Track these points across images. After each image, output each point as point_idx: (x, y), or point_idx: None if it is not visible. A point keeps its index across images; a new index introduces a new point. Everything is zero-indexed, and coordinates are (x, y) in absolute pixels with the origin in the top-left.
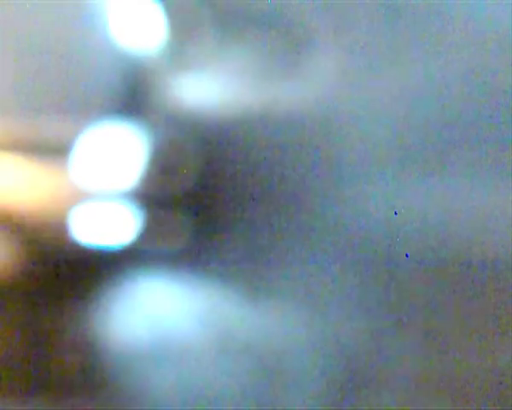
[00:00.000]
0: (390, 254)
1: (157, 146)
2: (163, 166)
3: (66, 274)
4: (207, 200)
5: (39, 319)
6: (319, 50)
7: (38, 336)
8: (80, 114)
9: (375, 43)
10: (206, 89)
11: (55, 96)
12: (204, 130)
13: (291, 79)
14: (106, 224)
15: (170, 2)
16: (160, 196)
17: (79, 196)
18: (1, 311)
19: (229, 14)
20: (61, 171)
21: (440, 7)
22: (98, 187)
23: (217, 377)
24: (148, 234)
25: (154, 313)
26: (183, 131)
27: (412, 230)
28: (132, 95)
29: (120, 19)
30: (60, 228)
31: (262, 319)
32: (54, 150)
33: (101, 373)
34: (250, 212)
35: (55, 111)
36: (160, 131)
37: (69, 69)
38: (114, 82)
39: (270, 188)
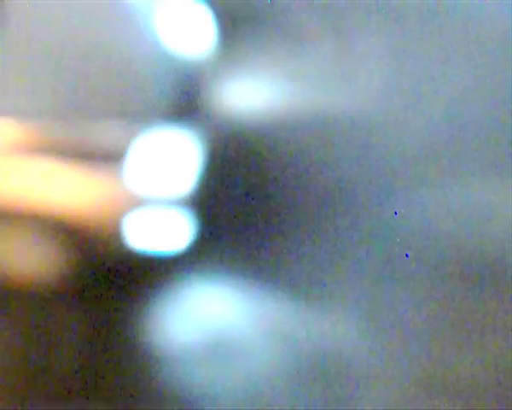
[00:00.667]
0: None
1: (210, 150)
2: (215, 172)
3: (120, 280)
4: (260, 205)
5: (93, 324)
6: (368, 54)
7: (92, 340)
8: (134, 119)
9: (425, 45)
10: (256, 92)
11: (108, 102)
12: (254, 133)
13: (341, 83)
14: (159, 230)
15: (219, 7)
16: (212, 202)
17: (133, 202)
18: (55, 317)
19: (276, 18)
20: (115, 177)
21: (489, 8)
22: (152, 193)
23: (272, 379)
24: (200, 239)
25: (208, 318)
26: (234, 136)
27: (464, 232)
28: (185, 99)
29: (171, 24)
30: (114, 234)
31: (315, 322)
32: (108, 156)
33: (155, 378)
34: (302, 215)
35: (110, 117)
36: (211, 135)
37: (123, 75)
38: (167, 87)
39: (322, 191)
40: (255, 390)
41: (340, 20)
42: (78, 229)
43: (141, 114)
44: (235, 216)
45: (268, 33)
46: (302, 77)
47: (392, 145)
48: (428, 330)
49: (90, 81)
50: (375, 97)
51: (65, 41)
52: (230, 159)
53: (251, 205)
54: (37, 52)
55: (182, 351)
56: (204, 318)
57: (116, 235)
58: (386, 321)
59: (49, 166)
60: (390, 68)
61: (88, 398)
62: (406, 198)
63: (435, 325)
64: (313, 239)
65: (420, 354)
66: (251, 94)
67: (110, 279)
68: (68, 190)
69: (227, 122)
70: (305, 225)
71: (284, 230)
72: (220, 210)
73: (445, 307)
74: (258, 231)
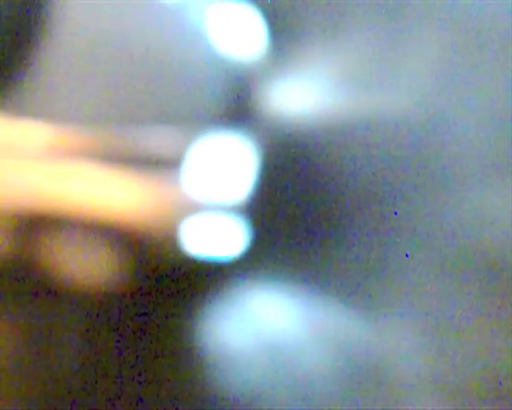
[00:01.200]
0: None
1: (263, 155)
2: (269, 177)
3: (176, 285)
4: (313, 210)
5: (149, 329)
6: (418, 55)
7: (148, 345)
8: (189, 124)
9: (474, 45)
10: (307, 95)
11: (163, 108)
12: (306, 137)
13: (391, 85)
14: (214, 235)
15: (270, 10)
16: (266, 207)
17: (189, 208)
18: (111, 321)
19: (327, 20)
20: (170, 183)
21: None
22: (207, 198)
23: (324, 385)
24: (254, 245)
25: (261, 324)
26: (286, 140)
27: None
28: (238, 104)
29: (223, 27)
30: (170, 240)
31: (368, 327)
32: (163, 162)
33: (209, 382)
34: (355, 220)
35: (165, 122)
36: (264, 139)
37: (177, 80)
38: (220, 91)
39: (376, 195)
40: (307, 396)
41: (389, 22)
42: (134, 235)
43: (195, 119)
44: (288, 222)
45: (318, 36)
46: (352, 79)
47: (444, 147)
48: (483, 339)
49: (145, 86)
50: (425, 99)
51: (118, 46)
52: (283, 163)
53: (304, 210)
54: (90, 57)
55: (235, 356)
56: (258, 323)
57: (172, 240)
58: (439, 328)
59: (106, 173)
60: (440, 70)
61: (143, 401)
62: (459, 200)
63: (491, 333)
64: (366, 244)
65: (474, 363)
66: (301, 97)
67: (166, 284)
68: (124, 196)
69: (279, 126)
70: (358, 230)
71: (337, 235)
72: (273, 215)
73: (503, 319)
74: (312, 237)
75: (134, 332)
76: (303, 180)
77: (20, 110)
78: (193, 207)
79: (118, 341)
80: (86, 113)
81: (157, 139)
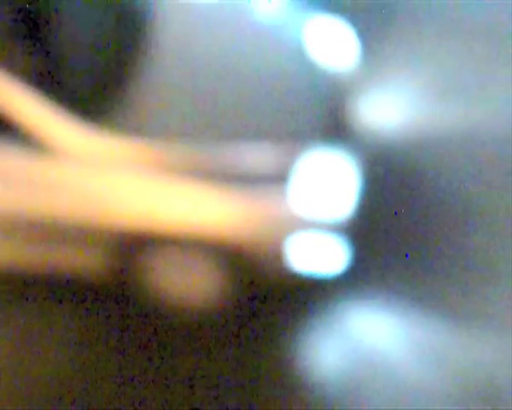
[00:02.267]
0: None
1: (362, 170)
2: (369, 193)
3: (279, 301)
4: (414, 225)
5: (250, 344)
6: (504, 65)
7: (248, 359)
8: (292, 141)
9: None
10: (401, 108)
11: (266, 124)
12: (404, 152)
13: (478, 97)
14: (318, 252)
15: (360, 24)
16: (367, 224)
17: (293, 224)
18: (214, 340)
19: (420, 34)
20: (275, 199)
21: None
22: (312, 215)
23: (428, 405)
24: (357, 262)
25: (364, 341)
26: (384, 155)
27: None
28: (337, 119)
29: (319, 43)
30: (274, 256)
31: (472, 346)
32: (269, 179)
33: (307, 399)
34: (458, 236)
35: (267, 139)
36: (362, 155)
37: (278, 96)
38: (321, 107)
39: (479, 209)
40: None
41: (477, 35)
42: (238, 251)
43: (297, 135)
44: (388, 238)
45: (410, 49)
46: (446, 90)
47: None
48: None
49: (247, 103)
50: None
51: (218, 63)
52: (383, 179)
53: (404, 226)
54: (191, 75)
55: (336, 372)
56: (358, 340)
57: (276, 257)
58: None
59: (209, 190)
60: None
61: None
62: None
63: None
64: (469, 260)
65: None
66: (394, 110)
67: (269, 300)
68: (228, 213)
69: (376, 140)
70: (461, 245)
71: (437, 251)
72: (374, 232)
73: None
74: (412, 253)
75: (237, 347)
76: (403, 195)
77: (123, 128)
78: (296, 224)
79: (220, 356)
80: (189, 131)
81: (260, 156)
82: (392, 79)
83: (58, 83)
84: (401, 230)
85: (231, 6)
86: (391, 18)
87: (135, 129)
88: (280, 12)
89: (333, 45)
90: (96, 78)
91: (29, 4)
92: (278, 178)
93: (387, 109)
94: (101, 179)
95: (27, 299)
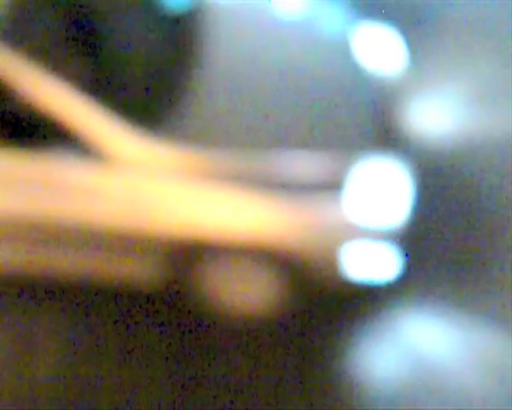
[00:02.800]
0: None
1: (414, 178)
2: (421, 200)
3: (333, 309)
4: (466, 231)
5: (305, 352)
6: None
7: (304, 368)
8: (345, 148)
9: None
10: (449, 114)
11: (319, 132)
12: (452, 159)
13: None
14: (372, 259)
15: (409, 31)
16: (419, 231)
17: (347, 232)
18: (267, 348)
19: (464, 38)
20: (329, 207)
21: None
22: (365, 223)
23: None
24: (410, 269)
25: (418, 348)
26: (434, 162)
27: None
28: (388, 126)
29: (368, 50)
30: (328, 264)
31: None
32: (323, 187)
33: (359, 405)
34: (497, 241)
35: (322, 147)
36: (414, 162)
37: (329, 104)
38: (372, 114)
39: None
40: None
41: None
42: (292, 259)
43: (350, 143)
44: (441, 244)
45: (459, 55)
46: (494, 97)
47: None
48: None
49: (295, 110)
50: None
51: (272, 72)
52: (433, 185)
53: (456, 232)
54: (242, 83)
55: (391, 380)
56: (412, 347)
57: (330, 264)
58: None
59: (263, 199)
60: None
61: None
62: None
63: None
64: None
65: None
66: (442, 116)
67: (323, 308)
68: (282, 222)
69: (427, 147)
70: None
71: (490, 257)
72: (427, 239)
73: None
74: (464, 259)
75: (289, 356)
76: (453, 201)
77: (175, 136)
78: (349, 232)
79: (272, 364)
80: (241, 139)
81: (313, 163)
82: (442, 85)
83: (113, 91)
84: (453, 236)
85: (280, 14)
86: (439, 23)
87: (187, 137)
88: (329, 20)
89: (381, 52)
90: (150, 86)
91: (84, 14)
92: (331, 186)
93: (437, 115)
94: (153, 187)
95: (78, 307)
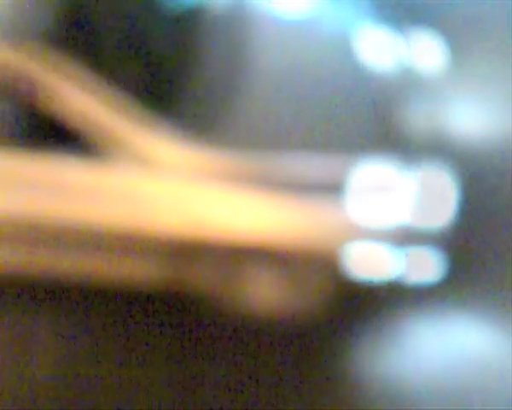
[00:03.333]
0: None
1: (422, 181)
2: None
3: (335, 308)
4: (504, 231)
5: (312, 354)
6: None
7: (305, 370)
8: (349, 150)
9: None
10: (485, 115)
11: (324, 134)
12: (488, 160)
13: None
14: (373, 259)
15: (448, 30)
16: (420, 232)
17: (350, 233)
18: (269, 348)
19: (498, 39)
20: (333, 207)
21: None
22: (368, 223)
23: None
24: (410, 269)
25: (419, 349)
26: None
27: None
28: (390, 128)
29: (374, 53)
30: (331, 263)
31: None
32: (327, 187)
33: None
34: None
35: (326, 148)
36: (423, 163)
37: (335, 106)
38: (376, 116)
39: None
40: None
41: None
42: (295, 260)
43: (351, 144)
44: (480, 246)
45: (500, 55)
46: None
47: None
48: None
49: (305, 112)
50: None
51: (279, 74)
52: (476, 189)
53: (495, 233)
54: (265, 84)
55: (433, 380)
56: (454, 348)
57: (333, 265)
58: None
59: (268, 199)
60: None
61: None
62: None
63: None
64: None
65: None
66: (477, 118)
67: (327, 307)
68: (286, 222)
69: (468, 151)
70: None
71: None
72: (424, 239)
73: None
74: (504, 262)
75: (293, 355)
76: (489, 202)
77: (211, 141)
78: (352, 232)
79: (276, 364)
80: (251, 140)
81: (318, 164)
82: (483, 86)
83: (158, 97)
84: (491, 237)
85: (284, 14)
86: (478, 24)
87: (225, 142)
88: (335, 20)
89: (388, 52)
90: (188, 89)
91: (124, 16)
92: (334, 186)
93: (478, 118)
94: (193, 191)
95: (80, 307)
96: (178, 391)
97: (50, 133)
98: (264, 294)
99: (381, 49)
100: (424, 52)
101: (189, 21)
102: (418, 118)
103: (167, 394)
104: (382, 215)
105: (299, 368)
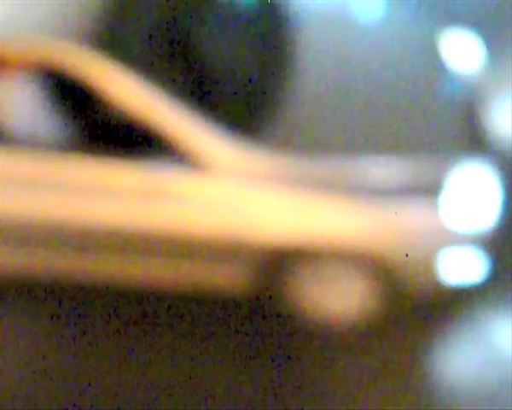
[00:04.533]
0: None
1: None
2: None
3: (428, 313)
4: None
5: (399, 355)
6: None
7: (397, 370)
8: (437, 153)
9: None
10: None
11: (412, 137)
12: None
13: None
14: (466, 263)
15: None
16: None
17: (444, 237)
18: (364, 349)
19: None
20: (427, 212)
21: None
22: (460, 227)
23: None
24: (502, 274)
25: (504, 352)
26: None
27: None
28: (478, 130)
29: (454, 54)
30: (423, 268)
31: None
32: (421, 191)
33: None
34: None
35: (416, 151)
36: (504, 166)
37: (420, 109)
38: (462, 119)
39: None
40: None
41: None
42: (387, 264)
43: (439, 147)
44: None
45: None
46: None
47: None
48: None
49: (387, 115)
50: None
51: (352, 74)
52: None
53: None
54: (327, 87)
55: (483, 384)
56: (499, 350)
57: (425, 269)
58: None
59: (355, 203)
60: None
61: None
62: None
63: None
64: None
65: None
66: None
67: (417, 312)
68: (376, 226)
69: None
70: None
71: None
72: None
73: None
74: None
75: (386, 361)
76: None
77: (268, 143)
78: (445, 237)
79: (366, 368)
80: (331, 144)
81: (408, 169)
82: None
83: (209, 98)
84: None
85: (366, 18)
86: None
87: (278, 143)
88: (414, 24)
89: (466, 54)
90: (245, 92)
91: (179, 19)
92: (425, 190)
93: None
94: (247, 194)
95: (173, 315)
96: (268, 396)
97: (124, 139)
98: (356, 300)
99: (462, 49)
100: (469, 52)
101: (248, 21)
102: (467, 118)
103: (262, 399)
104: (473, 218)
105: (393, 372)
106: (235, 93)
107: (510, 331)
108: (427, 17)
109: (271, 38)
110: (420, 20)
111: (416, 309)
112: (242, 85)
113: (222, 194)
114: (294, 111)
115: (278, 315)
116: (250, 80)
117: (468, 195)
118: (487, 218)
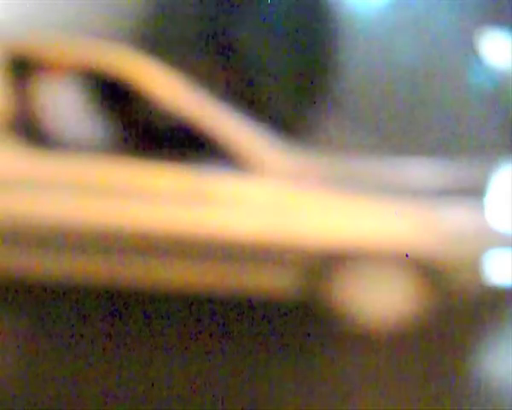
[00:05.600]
0: None
1: None
2: None
3: (476, 314)
4: None
5: (449, 358)
6: None
7: (448, 372)
8: (486, 154)
9: None
10: None
11: (459, 137)
12: None
13: None
14: (508, 263)
15: None
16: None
17: (491, 238)
18: (411, 351)
19: None
20: (472, 213)
21: None
22: (507, 228)
23: None
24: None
25: None
26: None
27: None
28: None
29: (496, 55)
30: (471, 270)
31: None
32: (468, 193)
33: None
34: None
35: (462, 152)
36: None
37: (464, 110)
38: (505, 119)
39: None
40: None
41: None
42: (433, 266)
43: (487, 149)
44: None
45: None
46: None
47: None
48: None
49: (430, 116)
50: None
51: (394, 75)
52: None
53: None
54: (372, 88)
55: None
56: None
57: (472, 271)
58: None
59: (400, 205)
60: None
61: None
62: None
63: None
64: None
65: None
66: None
67: (466, 314)
68: (421, 228)
69: None
70: None
71: None
72: None
73: None
74: None
75: (433, 363)
76: None
77: (313, 145)
78: (492, 238)
79: (416, 371)
80: (379, 146)
81: (456, 170)
82: None
83: (257, 100)
84: None
85: (407, 18)
86: None
87: (326, 146)
88: (458, 24)
89: (507, 54)
90: (293, 95)
91: (226, 22)
92: (472, 192)
93: None
94: (295, 196)
95: (218, 318)
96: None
97: (171, 142)
98: (404, 302)
99: (500, 48)
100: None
101: (297, 21)
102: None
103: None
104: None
105: (435, 370)
106: (283, 95)
107: None
108: (468, 17)
109: (319, 39)
110: (462, 21)
111: (462, 311)
112: (291, 87)
113: (270, 196)
114: (342, 113)
115: (324, 318)
116: (298, 82)
117: None
118: None
